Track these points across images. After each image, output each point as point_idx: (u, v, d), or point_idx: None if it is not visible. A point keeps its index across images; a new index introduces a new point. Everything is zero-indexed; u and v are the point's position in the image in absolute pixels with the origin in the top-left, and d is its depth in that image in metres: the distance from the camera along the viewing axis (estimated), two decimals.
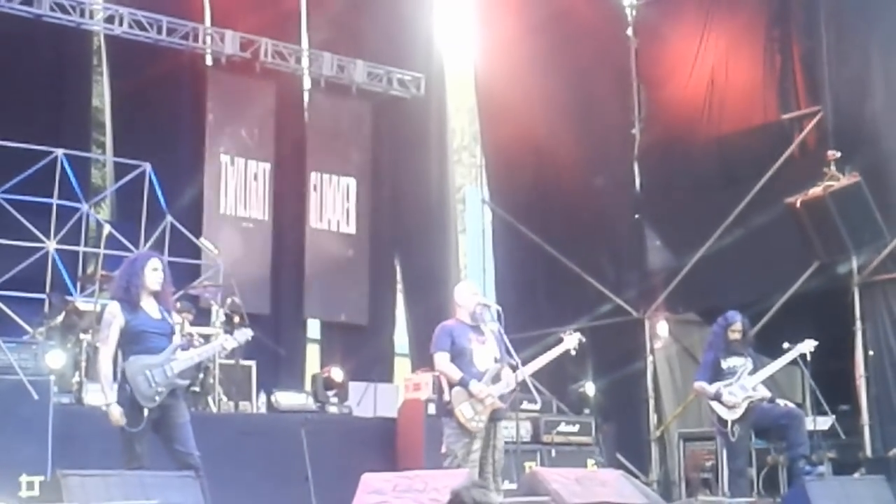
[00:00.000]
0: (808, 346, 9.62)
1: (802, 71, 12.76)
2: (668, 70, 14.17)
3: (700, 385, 9.74)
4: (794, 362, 9.83)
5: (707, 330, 10.43)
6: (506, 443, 8.38)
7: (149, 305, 7.21)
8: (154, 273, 7.19)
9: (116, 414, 6.93)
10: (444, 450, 7.97)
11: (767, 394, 9.65)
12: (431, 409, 10.59)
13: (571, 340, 8.66)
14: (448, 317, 8.51)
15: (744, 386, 9.45)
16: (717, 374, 9.61)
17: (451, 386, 8.00)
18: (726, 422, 9.45)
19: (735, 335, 9.66)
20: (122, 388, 6.98)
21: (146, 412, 6.97)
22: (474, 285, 8.74)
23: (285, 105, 14.27)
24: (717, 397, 9.47)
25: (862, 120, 12.01)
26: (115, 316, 7.08)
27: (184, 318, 9.88)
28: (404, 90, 14.87)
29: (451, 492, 5.00)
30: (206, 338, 9.98)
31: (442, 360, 8.04)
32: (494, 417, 8.02)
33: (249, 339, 7.74)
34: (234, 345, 7.65)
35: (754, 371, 9.59)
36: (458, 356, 8.06)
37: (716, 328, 9.87)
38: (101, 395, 7.14)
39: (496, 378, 8.03)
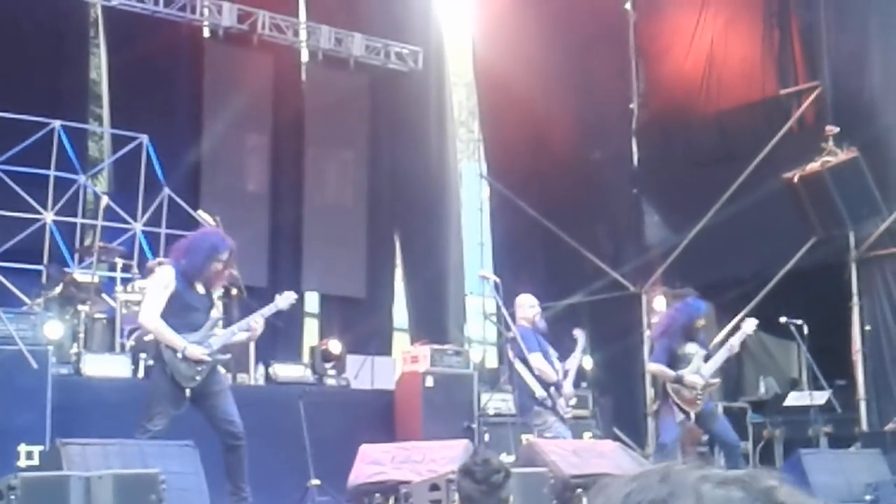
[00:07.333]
0: (749, 326, 9.42)
1: (801, 46, 12.74)
2: (666, 44, 14.13)
3: (659, 367, 9.34)
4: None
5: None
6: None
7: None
8: (217, 264, 7.22)
9: (197, 351, 6.97)
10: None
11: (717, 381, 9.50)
12: (429, 381, 10.64)
13: None
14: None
15: (702, 374, 9.21)
16: (672, 361, 9.25)
17: (549, 386, 8.72)
18: (686, 412, 9.20)
19: (700, 324, 9.39)
20: (161, 371, 6.99)
21: (188, 392, 7.00)
22: (533, 298, 9.22)
23: (283, 78, 14.22)
24: (678, 380, 9.22)
25: (860, 95, 12.01)
26: (169, 281, 7.08)
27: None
28: (402, 63, 14.82)
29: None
30: None
31: (540, 359, 8.76)
32: None
33: (293, 301, 7.72)
34: (274, 311, 7.56)
35: (707, 358, 9.34)
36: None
37: (678, 314, 9.51)
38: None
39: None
